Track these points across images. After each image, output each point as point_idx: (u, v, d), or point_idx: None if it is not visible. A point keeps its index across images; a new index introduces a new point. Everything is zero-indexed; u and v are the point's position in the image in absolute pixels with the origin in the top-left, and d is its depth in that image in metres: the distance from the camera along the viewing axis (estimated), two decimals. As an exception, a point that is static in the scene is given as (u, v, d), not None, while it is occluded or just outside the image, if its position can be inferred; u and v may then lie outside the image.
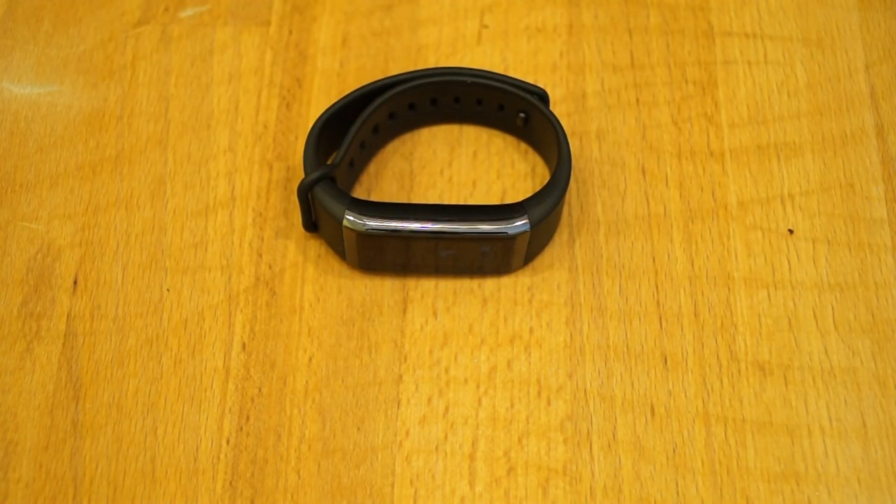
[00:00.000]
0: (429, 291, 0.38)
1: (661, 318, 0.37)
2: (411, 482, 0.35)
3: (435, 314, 0.38)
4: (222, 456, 0.35)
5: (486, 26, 0.43)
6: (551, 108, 0.41)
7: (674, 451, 0.35)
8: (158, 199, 0.40)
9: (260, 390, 0.36)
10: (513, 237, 0.36)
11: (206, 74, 0.42)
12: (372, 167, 0.40)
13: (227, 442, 0.35)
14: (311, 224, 0.38)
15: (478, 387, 0.36)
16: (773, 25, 0.43)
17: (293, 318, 0.37)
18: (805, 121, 0.41)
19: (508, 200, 0.39)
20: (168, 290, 0.38)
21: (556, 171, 0.37)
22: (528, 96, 0.38)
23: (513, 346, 0.37)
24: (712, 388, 0.36)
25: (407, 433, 0.36)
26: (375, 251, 0.37)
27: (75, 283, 0.38)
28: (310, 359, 0.37)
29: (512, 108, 0.39)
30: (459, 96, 0.40)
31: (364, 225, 0.35)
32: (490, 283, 0.38)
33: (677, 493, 0.34)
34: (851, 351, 0.37)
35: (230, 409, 0.36)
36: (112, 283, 0.38)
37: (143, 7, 0.44)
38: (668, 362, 0.37)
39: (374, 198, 0.40)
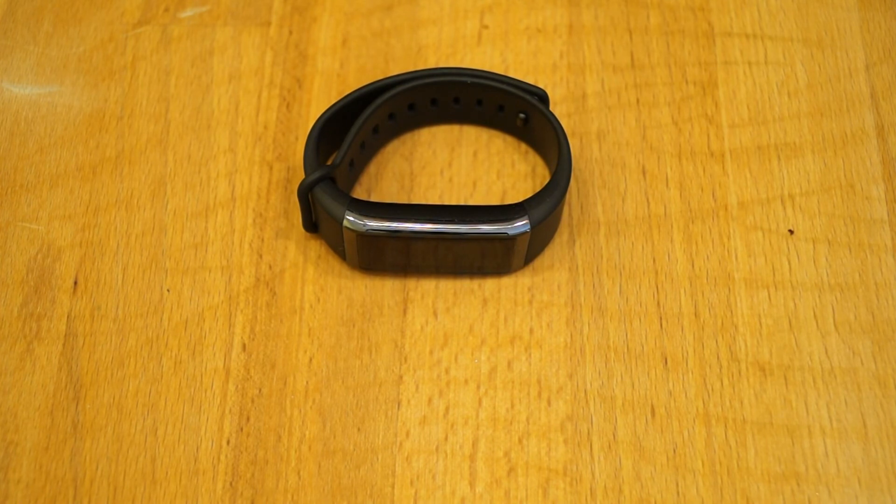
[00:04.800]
0: (429, 292, 0.38)
1: (661, 319, 0.37)
2: (412, 483, 0.35)
3: (435, 314, 0.38)
4: (222, 457, 0.35)
5: (486, 26, 0.43)
6: (551, 108, 0.41)
7: (674, 451, 0.35)
8: (158, 199, 0.40)
9: (260, 391, 0.36)
10: (513, 238, 0.36)
11: (206, 75, 0.42)
12: (372, 167, 0.40)
13: (228, 443, 0.35)
14: (312, 224, 0.38)
15: (478, 387, 0.36)
16: (773, 26, 0.43)
17: (293, 319, 0.37)
18: (805, 121, 0.41)
19: (509, 201, 0.39)
20: (168, 290, 0.38)
21: (557, 172, 0.37)
22: (528, 97, 0.38)
23: (513, 347, 0.37)
24: (713, 389, 0.36)
25: (407, 434, 0.36)
26: (375, 252, 0.37)
27: (75, 283, 0.38)
28: (310, 359, 0.37)
29: (512, 108, 0.39)
30: (459, 97, 0.40)
31: (364, 225, 0.35)
32: (490, 284, 0.38)
33: (678, 494, 0.34)
34: (852, 351, 0.37)
35: (230, 409, 0.36)
36: (112, 284, 0.38)
37: (143, 7, 0.44)
38: (669, 363, 0.37)
39: (374, 198, 0.40)
